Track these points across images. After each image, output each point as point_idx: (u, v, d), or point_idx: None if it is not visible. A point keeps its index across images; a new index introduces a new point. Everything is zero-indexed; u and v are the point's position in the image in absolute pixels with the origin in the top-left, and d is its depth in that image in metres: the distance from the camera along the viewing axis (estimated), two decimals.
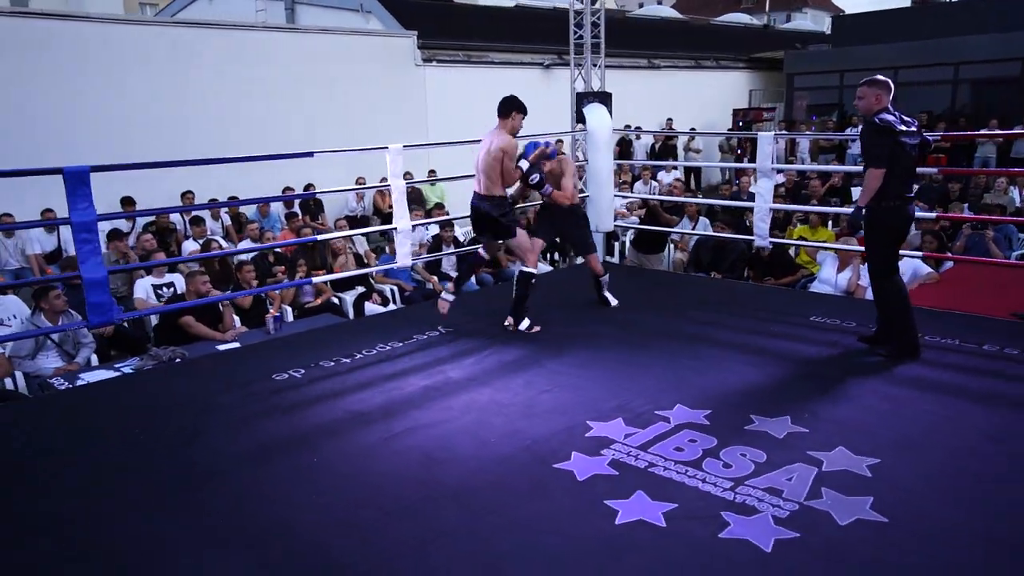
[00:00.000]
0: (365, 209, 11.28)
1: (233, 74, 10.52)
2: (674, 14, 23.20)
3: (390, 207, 11.23)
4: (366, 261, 7.37)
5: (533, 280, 4.96)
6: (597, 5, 7.48)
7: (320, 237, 6.31)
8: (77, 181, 3.56)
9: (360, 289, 6.90)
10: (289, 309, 6.34)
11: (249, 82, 10.67)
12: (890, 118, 3.88)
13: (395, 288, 7.15)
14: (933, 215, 6.47)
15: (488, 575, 2.41)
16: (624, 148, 15.52)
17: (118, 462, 3.27)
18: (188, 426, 3.61)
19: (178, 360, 4.72)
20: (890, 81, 3.95)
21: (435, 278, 7.46)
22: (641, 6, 25.99)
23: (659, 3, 23.12)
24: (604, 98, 6.75)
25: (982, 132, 13.54)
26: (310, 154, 5.05)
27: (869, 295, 6.38)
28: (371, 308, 6.77)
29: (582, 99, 6.76)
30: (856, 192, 11.92)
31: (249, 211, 9.98)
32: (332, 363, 4.49)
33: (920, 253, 6.24)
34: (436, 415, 3.66)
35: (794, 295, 6.10)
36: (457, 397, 3.89)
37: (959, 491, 2.81)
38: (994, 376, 3.96)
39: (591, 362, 4.36)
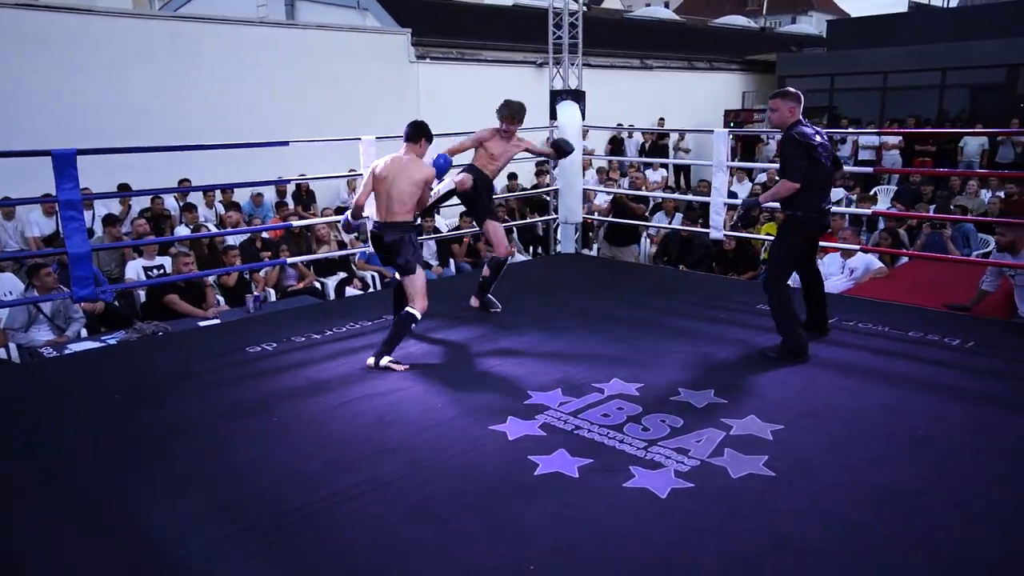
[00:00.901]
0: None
1: (232, 69, 10.84)
2: (671, 15, 23.47)
3: None
4: (350, 248, 7.69)
5: (413, 325, 4.34)
6: (575, 6, 7.77)
7: (301, 223, 6.63)
8: (64, 163, 3.89)
9: (342, 275, 7.22)
10: (272, 291, 6.67)
11: (248, 77, 10.99)
12: (808, 131, 4.08)
13: (375, 275, 7.46)
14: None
15: (416, 516, 2.72)
16: (616, 146, 15.83)
17: (94, 419, 3.60)
18: (161, 389, 3.94)
19: (160, 334, 5.05)
20: (801, 94, 4.15)
21: None
22: (648, 5, 26.25)
23: (665, 5, 23.33)
24: (577, 96, 7.05)
25: (954, 130, 13.79)
26: (285, 143, 5.37)
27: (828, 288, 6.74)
28: (352, 293, 7.09)
29: (556, 97, 7.06)
30: (837, 193, 12.28)
31: (244, 204, 10.30)
32: (303, 338, 4.81)
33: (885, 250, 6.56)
34: (391, 384, 3.97)
35: (748, 287, 6.38)
36: (413, 369, 4.20)
37: (847, 454, 3.11)
38: (907, 358, 4.26)
39: (543, 342, 4.67)
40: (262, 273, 6.97)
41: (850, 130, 15.43)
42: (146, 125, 9.95)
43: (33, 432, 3.47)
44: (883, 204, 12.24)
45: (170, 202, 9.44)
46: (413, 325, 4.36)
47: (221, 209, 9.95)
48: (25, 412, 3.72)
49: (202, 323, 5.37)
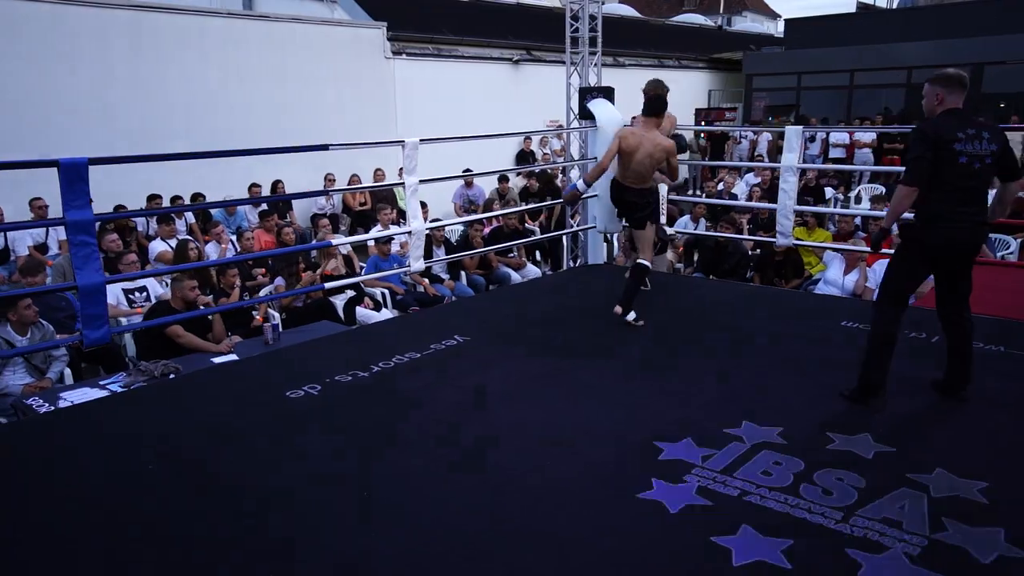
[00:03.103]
0: (334, 207, 10.78)
1: (196, 62, 9.89)
2: (634, 13, 23.17)
3: (361, 204, 10.88)
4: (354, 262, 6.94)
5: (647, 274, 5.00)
6: (593, 8, 7.21)
7: (342, 241, 5.83)
8: (75, 176, 3.09)
9: (350, 293, 6.47)
10: (277, 314, 5.88)
11: (213, 72, 10.05)
12: (946, 122, 3.30)
13: (386, 291, 6.74)
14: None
15: None
16: None
17: (130, 511, 2.83)
18: (207, 458, 3.18)
19: (172, 376, 4.25)
20: (959, 76, 3.39)
21: (427, 280, 7.08)
22: (603, 3, 25.87)
23: (620, 2, 23.00)
24: (608, 93, 6.48)
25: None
26: (325, 147, 4.62)
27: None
28: (363, 313, 6.36)
29: (585, 94, 6.46)
30: (829, 191, 12.06)
31: (216, 214, 9.39)
32: (349, 378, 4.09)
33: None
34: (474, 434, 3.31)
35: (812, 299, 5.94)
36: (497, 414, 3.55)
37: None
38: None
39: (628, 373, 4.07)
40: (263, 293, 6.16)
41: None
42: (100, 121, 8.96)
43: (72, 547, 2.69)
44: (865, 204, 12.12)
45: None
46: (647, 275, 5.03)
47: (191, 218, 9.03)
48: (42, 509, 2.92)
49: (216, 359, 4.59)
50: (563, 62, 15.19)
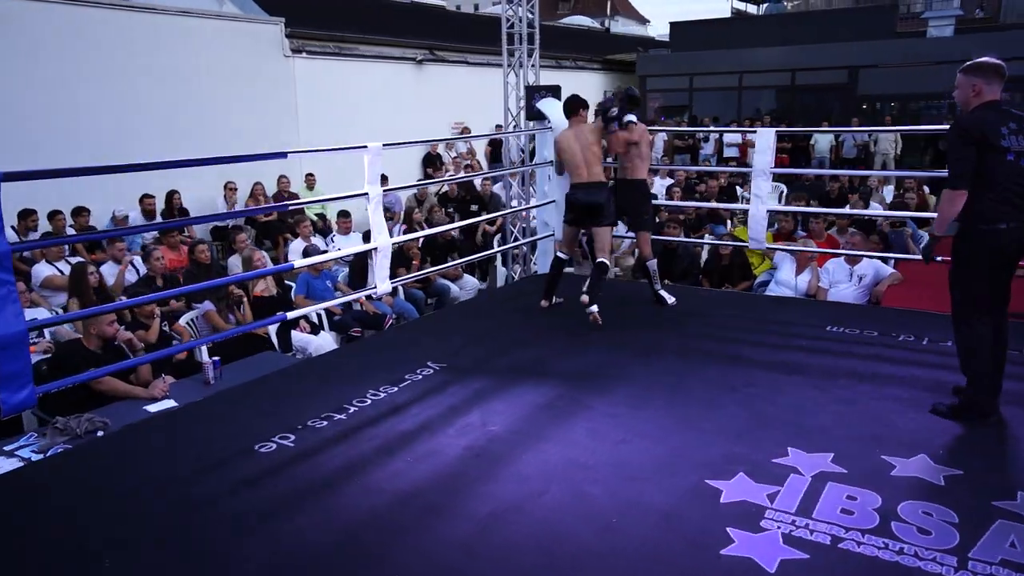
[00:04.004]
0: (235, 218, 9.82)
1: (74, 59, 8.74)
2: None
3: (267, 216, 9.98)
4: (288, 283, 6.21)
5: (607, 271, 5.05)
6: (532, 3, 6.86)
7: (304, 262, 5.08)
8: None
9: (281, 315, 5.75)
10: (204, 348, 5.12)
11: (93, 69, 8.92)
12: (987, 116, 3.09)
13: (321, 312, 6.07)
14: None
15: None
16: (496, 147, 14.98)
17: None
18: (175, 539, 2.54)
19: (100, 433, 3.50)
20: (997, 65, 3.14)
21: (364, 296, 6.45)
22: (496, 4, 25.61)
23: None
24: (554, 91, 6.12)
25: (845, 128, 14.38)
26: (283, 155, 3.98)
27: (832, 297, 6.31)
28: (300, 338, 5.69)
29: (532, 93, 6.07)
30: (739, 191, 12.24)
31: (100, 224, 8.32)
32: (324, 422, 3.49)
33: (877, 254, 6.22)
34: (513, 489, 2.85)
35: (790, 303, 5.78)
36: (519, 460, 3.09)
37: None
38: None
39: (641, 399, 3.71)
40: (183, 322, 5.37)
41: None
42: None
43: None
44: (772, 202, 12.42)
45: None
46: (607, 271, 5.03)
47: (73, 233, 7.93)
48: None
49: (151, 408, 3.84)
50: (466, 62, 14.80)
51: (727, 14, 27.32)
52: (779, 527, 2.55)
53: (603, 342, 4.59)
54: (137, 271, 6.61)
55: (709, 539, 2.48)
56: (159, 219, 8.66)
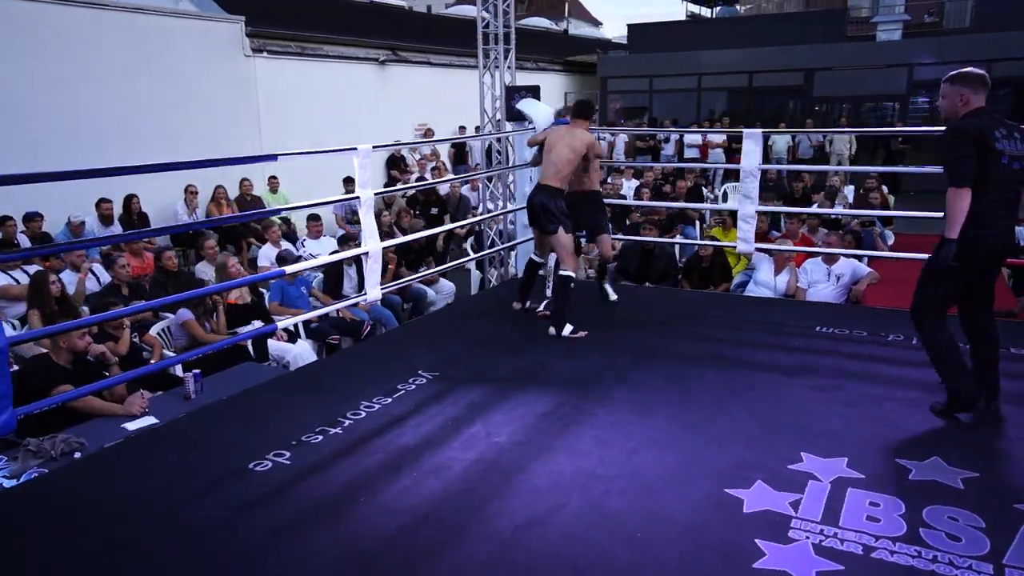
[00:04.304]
0: (229, 223, 9.49)
1: (23, 57, 8.33)
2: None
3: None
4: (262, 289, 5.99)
5: (572, 285, 4.69)
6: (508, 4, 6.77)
7: (301, 267, 4.83)
8: None
9: (257, 324, 5.55)
10: (171, 354, 4.89)
11: (44, 68, 8.51)
12: (981, 122, 3.12)
13: (298, 322, 5.87)
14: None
15: None
16: (459, 149, 14.85)
17: None
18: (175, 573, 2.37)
19: (77, 455, 3.28)
20: (979, 75, 3.21)
21: (340, 303, 6.26)
22: (448, 7, 25.46)
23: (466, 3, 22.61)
24: (534, 92, 6.03)
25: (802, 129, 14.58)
26: (273, 157, 3.79)
27: (811, 296, 6.34)
28: (277, 347, 5.48)
29: (512, 93, 5.97)
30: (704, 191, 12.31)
31: (54, 230, 7.93)
32: (319, 436, 3.34)
33: (854, 252, 6.28)
34: (530, 503, 2.74)
35: (776, 304, 5.80)
36: (530, 472, 2.99)
37: None
38: None
39: (644, 405, 3.63)
40: (154, 331, 5.12)
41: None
42: None
43: None
44: (732, 202, 12.54)
45: None
46: (572, 285, 4.69)
47: (26, 242, 7.56)
48: None
49: (130, 425, 3.62)
50: (429, 63, 14.63)
51: (680, 17, 27.73)
52: (808, 537, 2.49)
53: (594, 346, 4.51)
54: (98, 278, 6.31)
55: (738, 552, 2.42)
56: (117, 225, 8.32)
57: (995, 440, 3.23)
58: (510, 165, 6.50)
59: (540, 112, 5.38)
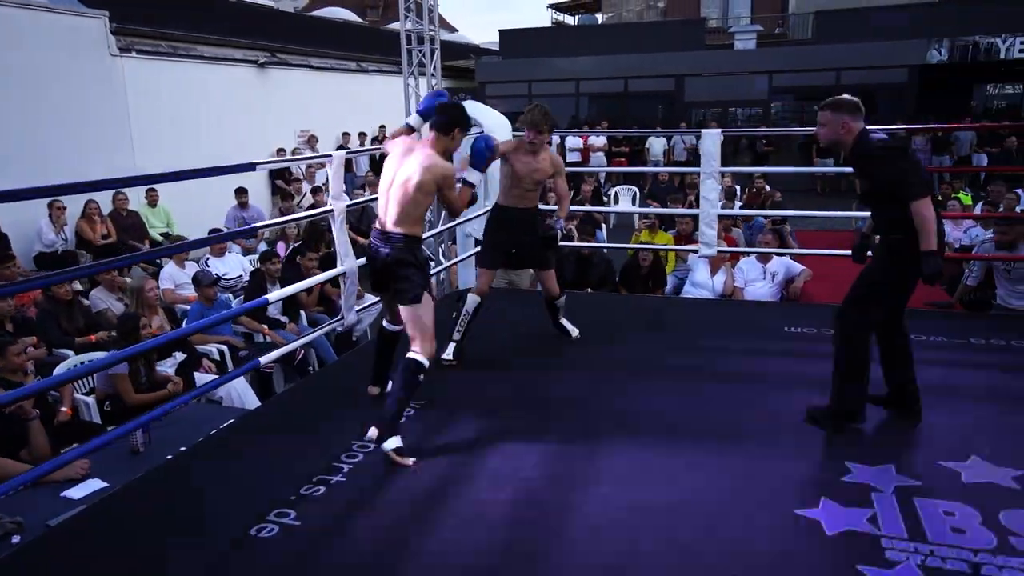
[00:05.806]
0: (67, 242, 8.40)
1: None
2: (356, 18, 22.19)
3: (104, 237, 8.60)
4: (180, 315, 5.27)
5: (422, 376, 3.21)
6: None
7: (280, 293, 4.17)
8: None
9: (179, 355, 4.87)
10: (91, 401, 4.18)
11: None
12: (888, 141, 3.12)
13: (223, 347, 5.22)
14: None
15: None
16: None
17: None
18: None
19: (16, 539, 2.62)
20: (857, 102, 3.13)
21: (266, 327, 5.66)
22: (296, 10, 24.42)
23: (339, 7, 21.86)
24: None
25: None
26: (251, 167, 3.22)
27: (748, 296, 6.41)
28: (205, 379, 4.82)
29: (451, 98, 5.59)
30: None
31: None
32: (320, 488, 2.86)
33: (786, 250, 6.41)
34: (598, 545, 2.44)
35: (726, 306, 5.77)
36: (580, 510, 2.68)
37: None
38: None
39: (662, 425, 3.41)
40: (59, 369, 4.34)
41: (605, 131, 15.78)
42: None
43: None
44: (625, 203, 12.75)
45: None
46: (421, 377, 3.19)
47: None
48: None
49: (72, 493, 2.96)
50: (310, 66, 13.92)
51: (546, 23, 28.20)
52: (908, 558, 2.36)
53: (580, 363, 4.25)
54: None
55: None
56: None
57: (1018, 431, 3.26)
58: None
59: (490, 117, 5.07)
